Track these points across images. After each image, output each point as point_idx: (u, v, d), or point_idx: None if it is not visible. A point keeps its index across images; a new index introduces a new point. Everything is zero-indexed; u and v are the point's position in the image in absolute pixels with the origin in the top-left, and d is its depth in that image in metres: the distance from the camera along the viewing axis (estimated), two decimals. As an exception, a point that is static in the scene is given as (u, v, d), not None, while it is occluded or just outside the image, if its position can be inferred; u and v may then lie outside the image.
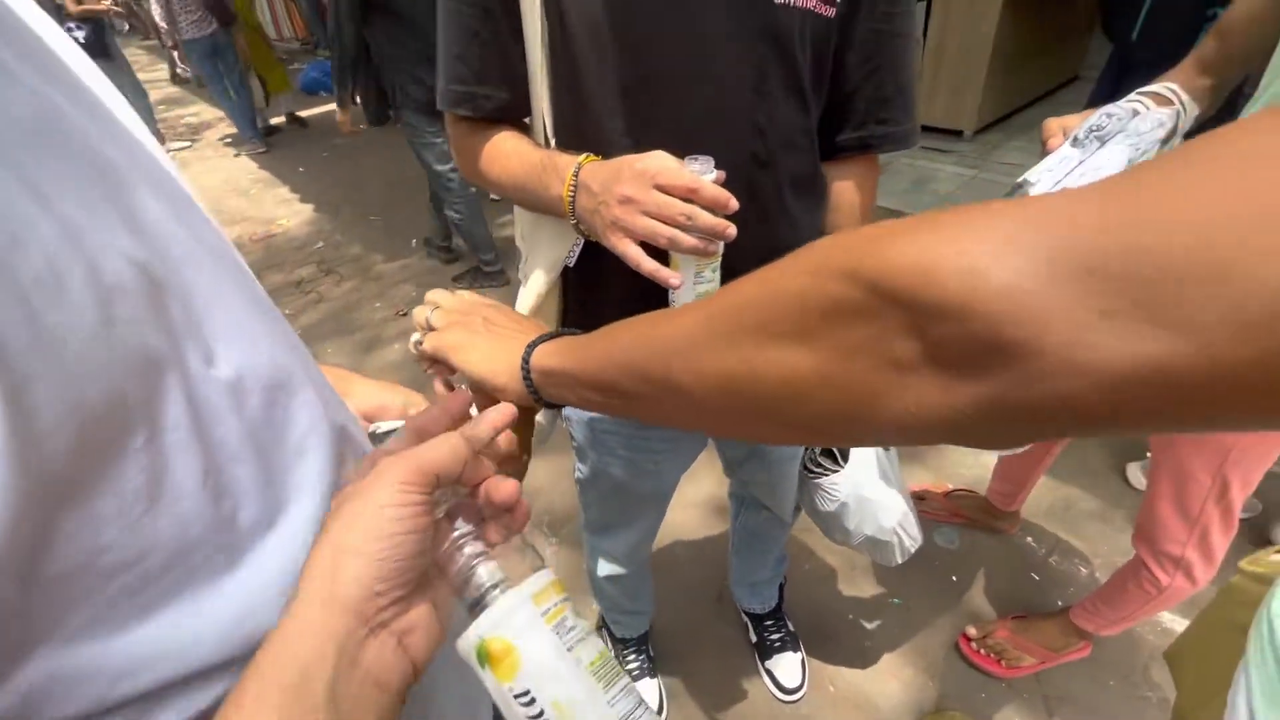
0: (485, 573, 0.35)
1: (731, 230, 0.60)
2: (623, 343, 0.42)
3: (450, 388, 0.55)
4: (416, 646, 0.33)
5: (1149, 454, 1.16)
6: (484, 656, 0.33)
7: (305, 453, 0.36)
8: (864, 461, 1.02)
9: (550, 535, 1.85)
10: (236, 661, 0.30)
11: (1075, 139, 0.78)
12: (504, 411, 0.40)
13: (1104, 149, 0.76)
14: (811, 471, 1.04)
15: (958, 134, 4.00)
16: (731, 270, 0.70)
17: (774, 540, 1.35)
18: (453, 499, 0.37)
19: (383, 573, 0.31)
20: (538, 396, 0.48)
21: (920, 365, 0.26)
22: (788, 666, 1.45)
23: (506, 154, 0.75)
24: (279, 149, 5.36)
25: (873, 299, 0.26)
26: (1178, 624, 1.53)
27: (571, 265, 0.80)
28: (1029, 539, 1.76)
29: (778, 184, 0.76)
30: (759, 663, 1.49)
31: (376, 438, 0.56)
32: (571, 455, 1.07)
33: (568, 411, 0.96)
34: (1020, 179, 0.77)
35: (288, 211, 4.18)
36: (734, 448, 1.04)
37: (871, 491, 1.02)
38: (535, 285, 0.83)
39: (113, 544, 0.26)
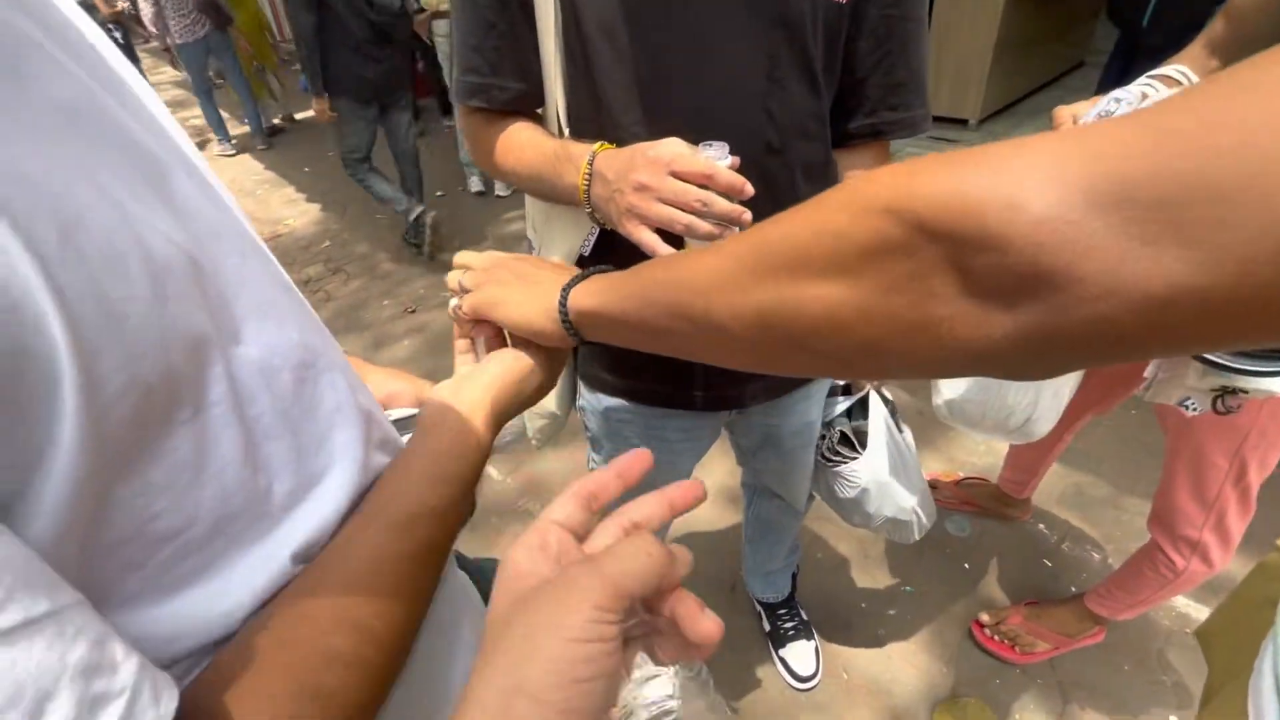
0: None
1: (747, 216, 0.61)
2: (658, 280, 0.42)
3: (501, 341, 0.55)
4: None
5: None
6: None
7: (334, 429, 0.37)
8: (881, 445, 1.02)
9: (562, 528, 1.86)
10: None
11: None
12: (693, 489, 0.36)
13: None
14: (830, 460, 1.04)
15: (963, 123, 3.98)
16: None
17: (787, 530, 1.35)
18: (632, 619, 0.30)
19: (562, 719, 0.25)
20: (577, 337, 0.49)
21: (960, 297, 0.26)
22: (802, 655, 1.46)
23: (521, 145, 0.76)
24: (283, 149, 5.38)
25: (912, 234, 0.27)
26: (1192, 608, 1.53)
27: (587, 254, 0.80)
28: (1041, 526, 1.76)
29: (791, 171, 0.76)
30: (773, 651, 1.50)
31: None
32: (585, 446, 1.07)
33: (582, 402, 0.97)
34: None
35: (294, 211, 4.20)
36: (747, 436, 1.04)
37: (890, 474, 1.02)
38: None
39: (162, 512, 0.26)
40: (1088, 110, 0.86)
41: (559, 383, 0.95)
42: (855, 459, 1.02)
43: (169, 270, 0.26)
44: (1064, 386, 1.11)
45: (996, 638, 1.46)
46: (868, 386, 1.03)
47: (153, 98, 0.38)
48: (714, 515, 1.86)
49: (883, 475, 1.02)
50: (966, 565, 1.68)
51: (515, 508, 1.93)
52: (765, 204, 0.74)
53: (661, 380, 0.88)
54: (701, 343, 0.40)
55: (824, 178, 0.81)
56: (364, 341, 2.81)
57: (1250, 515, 1.10)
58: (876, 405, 1.02)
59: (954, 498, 1.77)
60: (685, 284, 0.39)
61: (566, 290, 0.49)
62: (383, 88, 3.04)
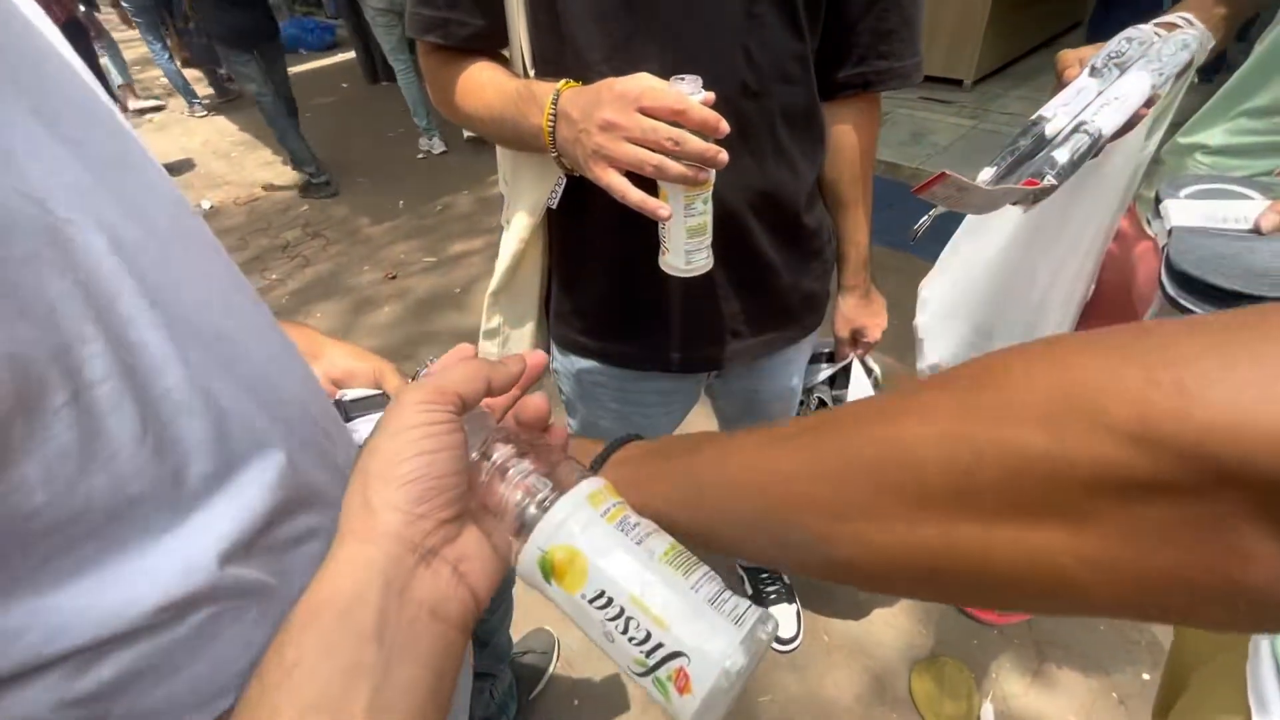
0: (535, 484, 0.33)
1: (723, 156, 0.57)
2: (719, 482, 0.32)
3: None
4: (474, 575, 0.31)
5: None
6: (548, 569, 0.31)
7: (263, 406, 0.34)
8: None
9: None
10: (179, 616, 0.28)
11: (1093, 68, 0.74)
12: (536, 357, 0.38)
13: (1125, 76, 0.72)
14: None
15: (957, 83, 3.90)
16: (722, 207, 0.67)
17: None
18: (485, 433, 0.35)
19: (418, 493, 0.29)
20: None
21: (1265, 545, 0.19)
22: (783, 618, 1.47)
23: (482, 85, 0.71)
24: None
25: (1195, 475, 0.19)
26: (1168, 570, 1.55)
27: (554, 206, 0.76)
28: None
29: (770, 117, 0.72)
30: (755, 615, 1.51)
31: (343, 405, 0.54)
32: (562, 407, 1.05)
33: (555, 365, 0.95)
34: (1035, 115, 0.73)
35: (271, 174, 4.08)
36: (728, 401, 1.02)
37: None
38: (517, 230, 0.80)
39: (43, 507, 0.24)
40: (1094, 54, 0.82)
41: (529, 342, 0.92)
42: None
43: (12, 228, 0.23)
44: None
45: (975, 600, 1.47)
46: (851, 355, 1.01)
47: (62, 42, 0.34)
48: (698, 481, 1.85)
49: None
50: (948, 529, 1.69)
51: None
52: (743, 151, 0.70)
53: (636, 342, 0.85)
54: (801, 561, 0.30)
55: (808, 128, 0.77)
56: (344, 307, 2.76)
57: None
58: (859, 375, 1.00)
59: None
60: (765, 492, 0.30)
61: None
62: (250, 33, 3.18)
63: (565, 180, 0.73)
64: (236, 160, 4.33)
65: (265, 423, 0.33)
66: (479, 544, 0.32)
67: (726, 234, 0.70)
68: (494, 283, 0.87)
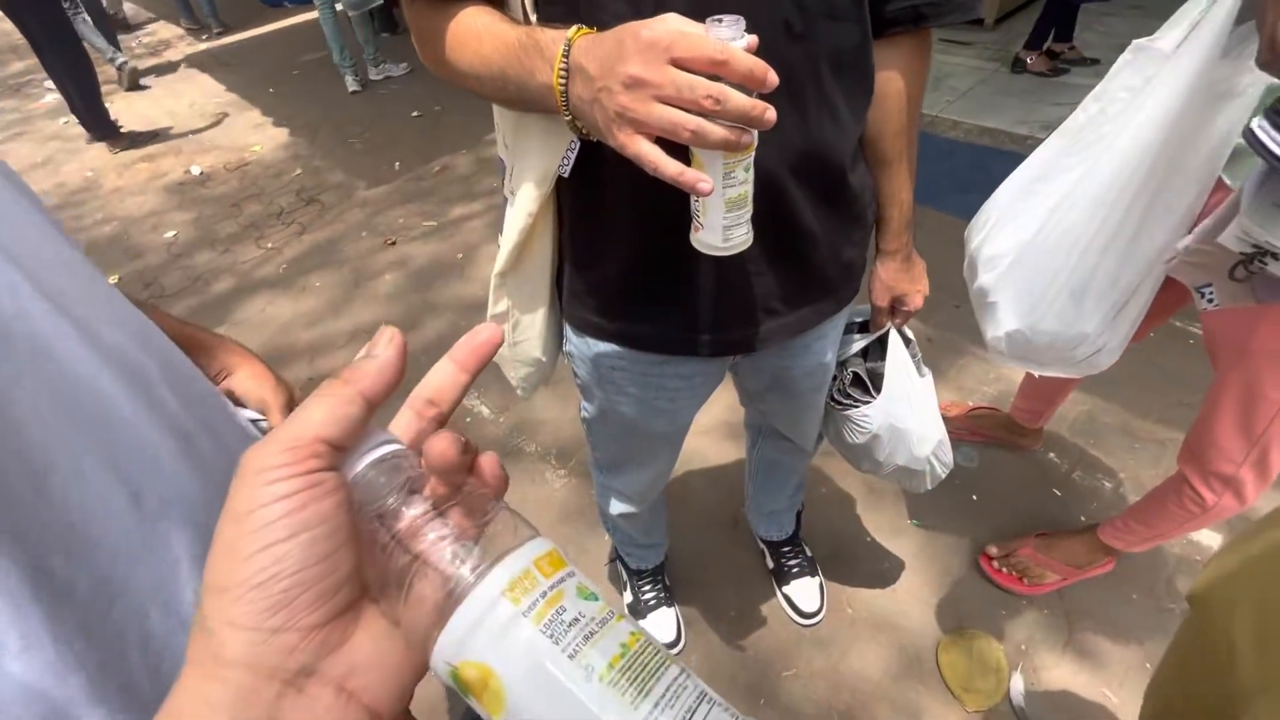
0: (450, 559, 0.24)
1: (771, 114, 0.47)
2: None
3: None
4: (371, 690, 0.24)
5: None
6: (463, 686, 0.23)
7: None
8: (898, 390, 0.93)
9: (559, 467, 1.80)
10: None
11: None
12: (485, 334, 0.28)
13: None
14: (840, 403, 0.96)
15: (978, 22, 3.69)
16: (758, 170, 0.58)
17: (794, 470, 1.29)
18: (402, 476, 0.25)
19: (269, 603, 0.21)
20: None
21: None
22: (805, 591, 1.43)
23: (477, 34, 0.60)
24: (245, 69, 5.00)
25: None
26: (1205, 536, 1.50)
27: (566, 175, 0.67)
28: (1051, 454, 1.71)
29: (815, 63, 0.62)
30: (777, 588, 1.47)
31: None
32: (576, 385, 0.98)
33: (569, 348, 0.87)
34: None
35: (261, 137, 3.93)
36: (755, 379, 0.95)
37: (905, 421, 0.94)
38: (524, 204, 0.71)
39: None
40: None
41: (541, 326, 0.84)
42: (868, 403, 0.94)
43: None
44: (1135, 310, 0.99)
45: (1005, 570, 1.43)
46: (888, 324, 0.93)
47: None
48: (713, 449, 1.80)
49: (897, 421, 0.93)
50: (975, 496, 1.64)
51: (509, 447, 1.87)
52: (783, 107, 0.61)
53: (660, 323, 0.77)
54: None
55: (857, 75, 0.68)
56: (343, 277, 2.67)
57: None
58: (896, 345, 0.92)
59: (963, 428, 1.71)
60: None
61: None
62: None
63: (579, 145, 0.64)
64: (226, 123, 4.17)
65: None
66: (377, 644, 0.24)
67: (762, 201, 0.62)
68: (500, 262, 0.78)
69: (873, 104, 0.73)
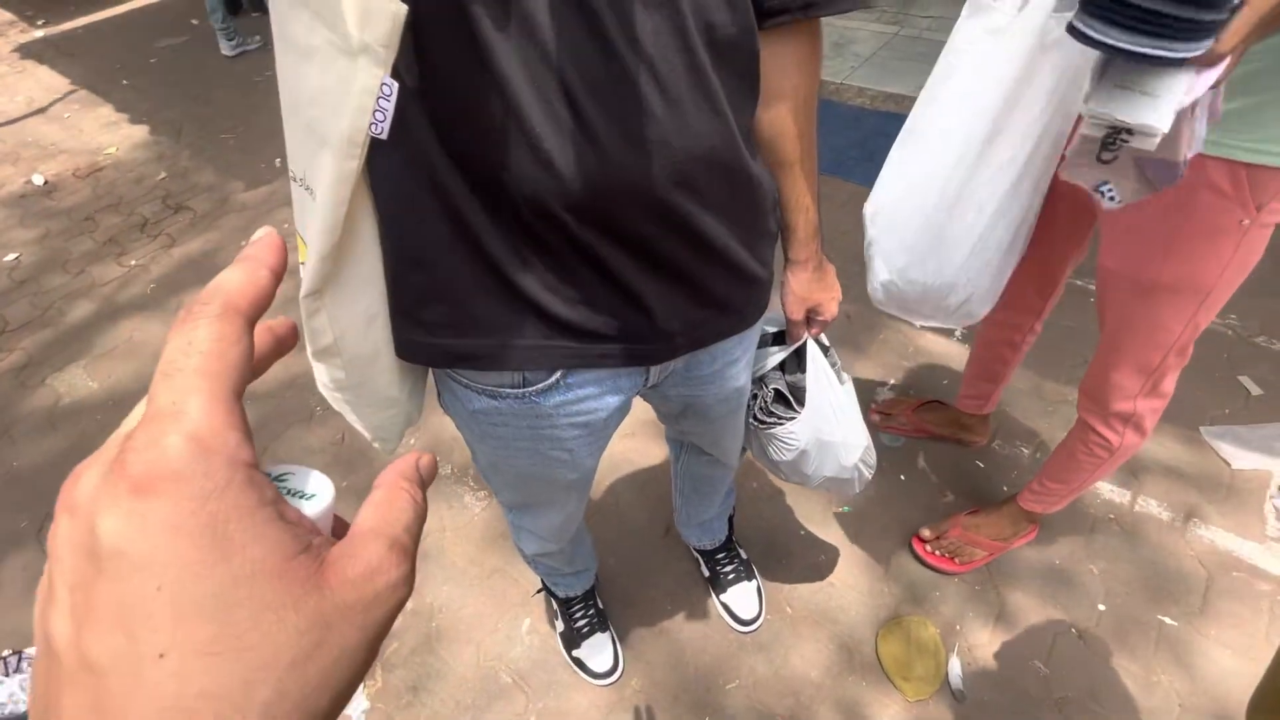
0: None
1: None
2: None
3: None
4: None
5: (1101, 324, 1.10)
6: None
7: None
8: (821, 402, 0.87)
9: (478, 489, 1.68)
10: None
11: None
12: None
13: None
14: (764, 422, 0.89)
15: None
16: (635, 182, 0.48)
17: (722, 480, 1.23)
18: None
19: None
20: None
21: None
22: (743, 598, 1.39)
23: None
24: (92, 58, 4.44)
25: None
26: (1116, 493, 1.55)
27: (383, 135, 0.48)
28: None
29: (684, 38, 0.53)
30: (714, 596, 1.43)
31: None
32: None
33: (445, 403, 0.76)
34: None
35: (115, 137, 3.50)
36: (667, 404, 0.87)
37: (831, 434, 0.88)
38: (330, 189, 0.50)
39: None
40: None
41: (393, 360, 0.67)
42: (793, 419, 0.87)
43: None
44: (999, 256, 1.01)
45: (938, 552, 1.43)
46: (805, 335, 0.87)
47: None
48: (639, 453, 1.73)
49: (823, 435, 0.88)
50: (902, 477, 1.64)
51: (422, 472, 1.73)
52: (652, 96, 0.52)
53: (517, 336, 0.63)
54: None
55: (739, 58, 0.58)
56: (223, 292, 2.41)
57: (1185, 363, 1.05)
58: (816, 356, 0.86)
59: (909, 424, 1.69)
60: None
61: None
62: None
63: (395, 87, 0.46)
64: (71, 122, 3.69)
65: None
66: None
67: (645, 214, 0.53)
68: (308, 280, 0.57)
69: (767, 103, 0.64)
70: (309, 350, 0.65)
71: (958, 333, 1.97)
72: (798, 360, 0.88)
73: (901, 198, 1.01)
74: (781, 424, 0.87)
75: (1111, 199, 0.77)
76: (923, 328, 1.99)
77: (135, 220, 2.83)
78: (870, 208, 1.06)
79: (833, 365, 0.89)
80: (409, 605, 1.46)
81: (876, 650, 1.34)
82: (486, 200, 0.56)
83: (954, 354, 1.92)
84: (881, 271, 1.06)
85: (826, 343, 0.90)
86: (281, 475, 0.20)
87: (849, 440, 0.91)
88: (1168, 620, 1.34)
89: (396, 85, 0.46)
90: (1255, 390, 1.74)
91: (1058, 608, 1.38)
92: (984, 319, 1.44)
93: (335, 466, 1.75)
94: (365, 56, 0.44)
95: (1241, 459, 1.58)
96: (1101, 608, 1.37)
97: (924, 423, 1.67)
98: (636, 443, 1.75)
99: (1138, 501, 1.53)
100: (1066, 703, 1.25)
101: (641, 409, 1.73)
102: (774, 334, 0.90)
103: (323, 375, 0.66)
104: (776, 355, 0.88)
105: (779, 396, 0.89)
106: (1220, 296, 0.94)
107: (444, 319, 0.64)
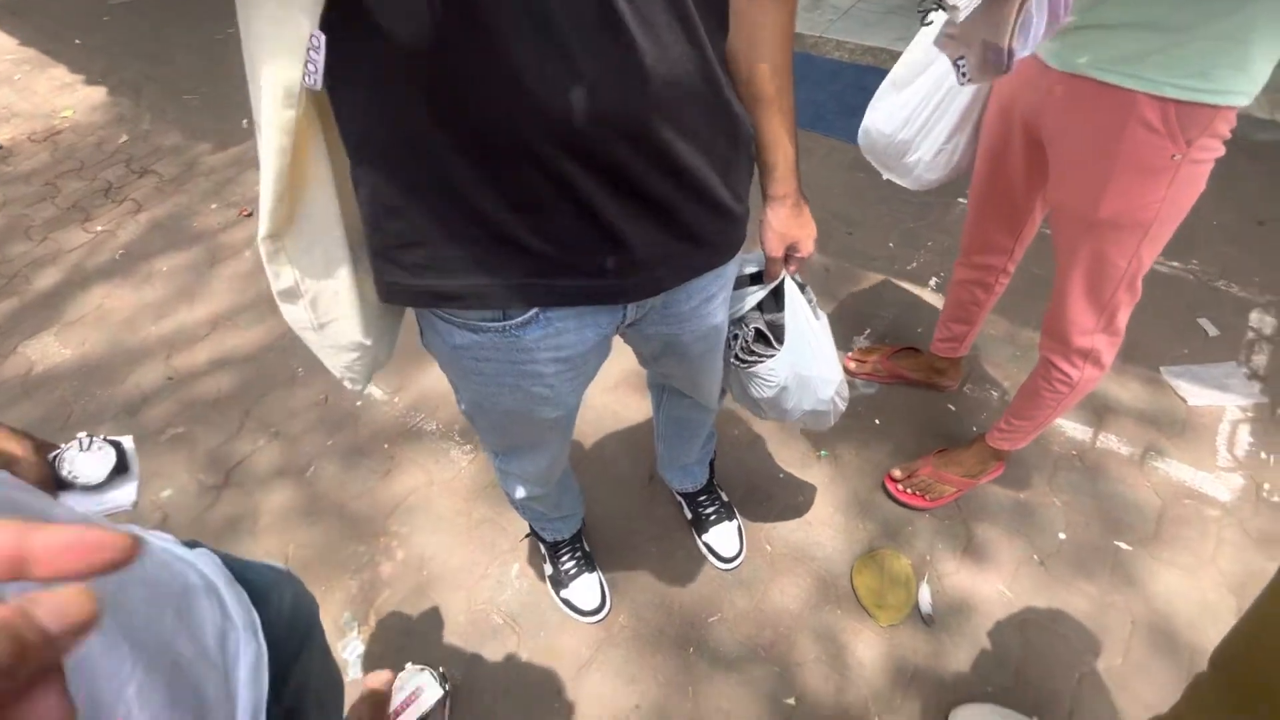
0: None
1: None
2: None
3: None
4: None
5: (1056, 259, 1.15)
6: None
7: None
8: (799, 339, 0.90)
9: (463, 443, 1.71)
10: None
11: None
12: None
13: None
14: (745, 361, 0.92)
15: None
16: (616, 109, 0.50)
17: (702, 424, 1.26)
18: None
19: None
20: None
21: None
22: (724, 537, 1.45)
23: None
24: (41, 16, 4.24)
25: None
26: (1079, 431, 1.62)
27: (316, 86, 0.50)
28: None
29: None
30: (696, 537, 1.48)
31: None
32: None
33: (426, 340, 0.77)
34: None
35: (72, 99, 3.37)
36: (645, 346, 0.89)
37: (809, 369, 0.92)
38: (274, 131, 0.53)
39: None
40: None
41: (352, 296, 0.68)
42: (772, 356, 0.91)
43: None
44: (946, 129, 1.24)
45: (909, 490, 1.49)
46: (783, 274, 0.89)
47: None
48: (622, 404, 1.76)
49: (802, 369, 0.91)
50: (877, 421, 1.69)
51: (408, 428, 1.75)
52: (631, 22, 0.54)
53: (501, 275, 0.65)
54: None
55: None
56: (193, 258, 2.37)
57: (1137, 301, 1.10)
58: (793, 295, 0.89)
59: (884, 370, 1.74)
60: None
61: None
62: None
63: (323, 40, 0.47)
64: (23, 84, 3.54)
65: None
66: None
67: (624, 144, 0.55)
68: (264, 223, 0.60)
69: (744, 39, 0.66)
70: (274, 290, 0.68)
71: (932, 281, 2.02)
72: (775, 299, 0.91)
73: (894, 72, 1.32)
74: (762, 361, 0.91)
75: (964, 75, 0.81)
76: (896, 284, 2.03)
77: (99, 185, 2.76)
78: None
79: (809, 301, 0.92)
80: (399, 556, 1.49)
81: (851, 582, 1.41)
82: (464, 141, 0.57)
83: (928, 304, 1.97)
84: (865, 119, 1.37)
85: (802, 280, 0.93)
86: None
87: (825, 374, 0.95)
88: (1123, 545, 1.42)
89: (324, 38, 0.48)
90: (1213, 331, 1.81)
91: (1021, 538, 1.46)
92: (957, 261, 1.49)
93: (320, 427, 1.76)
94: (295, 6, 0.45)
95: (1197, 396, 1.66)
96: (1062, 536, 1.45)
97: (898, 368, 1.72)
98: (620, 395, 1.78)
99: (1099, 439, 1.61)
100: (1028, 624, 1.33)
101: (624, 362, 1.77)
102: (751, 275, 0.93)
103: (289, 314, 0.69)
104: (755, 295, 0.91)
105: (759, 335, 0.92)
106: (1160, 232, 0.98)
107: (425, 260, 0.65)
